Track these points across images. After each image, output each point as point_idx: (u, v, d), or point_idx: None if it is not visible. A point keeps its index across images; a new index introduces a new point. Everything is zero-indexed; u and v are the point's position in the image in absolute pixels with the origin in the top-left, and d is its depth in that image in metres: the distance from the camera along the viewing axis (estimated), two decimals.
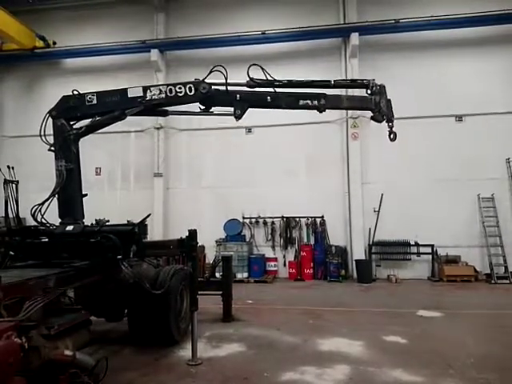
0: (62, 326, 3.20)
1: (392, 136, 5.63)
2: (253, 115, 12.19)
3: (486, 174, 10.84)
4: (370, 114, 12.00)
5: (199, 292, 4.82)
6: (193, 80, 5.27)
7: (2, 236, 4.71)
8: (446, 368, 4.36)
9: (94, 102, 5.18)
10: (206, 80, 5.24)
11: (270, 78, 5.35)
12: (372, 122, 11.39)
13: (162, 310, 4.85)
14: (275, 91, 5.33)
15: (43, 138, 5.08)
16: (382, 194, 11.07)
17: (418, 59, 11.44)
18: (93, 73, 12.32)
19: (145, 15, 12.67)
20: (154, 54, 11.95)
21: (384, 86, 5.56)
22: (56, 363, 2.94)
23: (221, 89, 5.27)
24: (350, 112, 11.43)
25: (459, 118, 11.23)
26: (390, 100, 5.57)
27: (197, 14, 12.26)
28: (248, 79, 5.36)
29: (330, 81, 5.51)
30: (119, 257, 4.32)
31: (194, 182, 12.37)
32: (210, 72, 5.17)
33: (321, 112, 5.45)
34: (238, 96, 5.29)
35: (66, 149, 5.06)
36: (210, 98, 5.27)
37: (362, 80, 5.67)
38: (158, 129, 12.33)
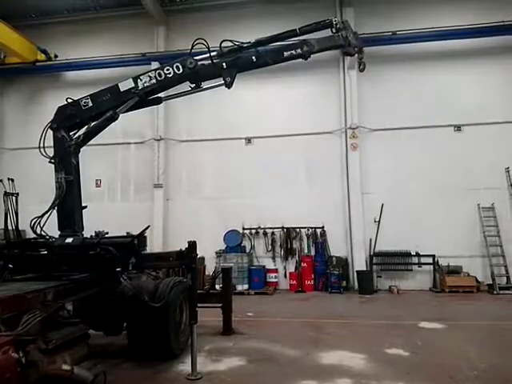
0: (60, 339, 3.16)
1: (361, 67, 5.87)
2: (252, 126, 12.44)
3: (486, 183, 10.84)
4: (368, 124, 12.20)
5: (199, 304, 4.78)
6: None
7: (1, 249, 4.69)
8: (448, 381, 4.30)
9: (90, 104, 5.23)
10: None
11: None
12: (372, 133, 11.53)
13: (161, 324, 4.80)
14: (257, 51, 5.43)
15: (42, 151, 5.10)
16: (383, 204, 11.07)
17: (416, 70, 11.56)
18: (94, 85, 12.21)
19: (145, 28, 12.87)
20: (155, 66, 12.06)
21: (347, 20, 5.85)
22: (54, 378, 2.90)
23: (206, 63, 5.36)
24: (348, 123, 11.52)
25: (458, 127, 11.29)
26: (356, 32, 5.80)
27: (196, 27, 12.40)
28: (219, 49, 5.42)
29: (295, 29, 5.64)
30: (118, 269, 4.29)
31: (193, 192, 12.38)
32: (193, 46, 5.28)
33: (306, 59, 5.58)
34: (224, 64, 5.36)
35: (66, 161, 5.08)
36: (197, 72, 5.34)
37: (325, 20, 5.81)
38: (158, 140, 12.40)
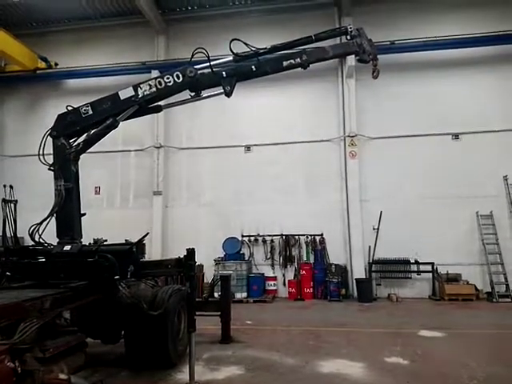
0: (57, 348, 3.14)
1: (375, 74, 5.88)
2: (252, 134, 12.48)
3: (484, 191, 10.87)
4: (367, 132, 12.24)
5: (197, 313, 4.75)
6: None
7: None
8: None
9: (90, 112, 5.24)
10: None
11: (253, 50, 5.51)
12: (371, 141, 11.51)
13: (159, 332, 4.77)
14: (258, 59, 5.45)
15: (42, 158, 5.11)
16: (381, 212, 11.07)
17: (414, 79, 11.65)
18: (94, 93, 12.25)
19: (145, 37, 12.98)
20: (155, 75, 12.15)
21: (362, 28, 5.87)
22: None
23: (206, 71, 5.38)
24: (347, 131, 11.58)
25: (456, 136, 11.35)
26: (371, 39, 5.83)
27: (197, 36, 12.52)
28: (232, 54, 5.50)
29: (311, 36, 5.68)
30: (116, 277, 4.27)
31: (193, 200, 12.39)
32: (193, 55, 5.32)
33: (305, 68, 5.59)
34: (224, 73, 5.39)
35: (65, 168, 5.08)
36: (197, 81, 5.36)
37: (340, 27, 5.86)
38: (157, 148, 12.44)
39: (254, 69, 5.45)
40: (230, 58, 5.59)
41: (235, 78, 5.42)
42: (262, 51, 5.48)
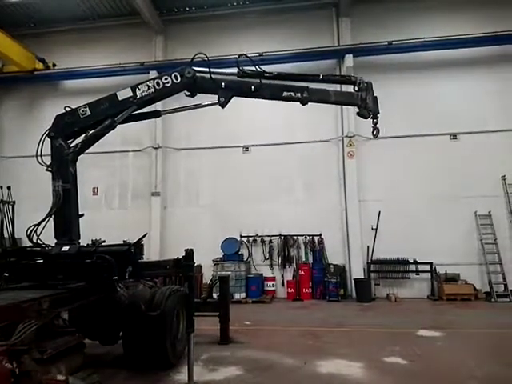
0: (55, 349, 3.13)
1: (375, 132, 5.71)
2: (250, 134, 12.48)
3: (483, 191, 10.89)
4: (365, 133, 12.25)
5: (196, 313, 4.75)
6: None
7: None
8: None
9: (88, 113, 5.22)
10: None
11: (259, 70, 5.50)
12: (369, 141, 11.52)
13: (157, 333, 4.76)
14: (260, 81, 5.41)
15: (40, 159, 5.10)
16: (380, 212, 11.09)
17: (412, 79, 11.66)
18: (92, 94, 12.27)
19: (143, 38, 12.98)
20: (153, 75, 12.14)
21: (371, 83, 5.68)
22: None
23: (206, 76, 5.35)
24: (345, 131, 11.59)
25: (454, 136, 11.37)
26: (376, 97, 5.68)
27: (195, 37, 12.55)
28: (238, 69, 5.50)
29: (319, 75, 5.63)
30: (115, 278, 4.27)
31: (191, 200, 12.38)
32: (193, 59, 5.31)
33: (303, 104, 5.52)
34: (222, 84, 5.36)
35: (63, 169, 5.07)
36: (195, 82, 5.34)
37: (350, 76, 5.77)
38: (155, 148, 12.43)
39: (253, 89, 5.39)
40: (233, 71, 5.57)
41: (232, 92, 5.38)
42: (266, 74, 5.43)
